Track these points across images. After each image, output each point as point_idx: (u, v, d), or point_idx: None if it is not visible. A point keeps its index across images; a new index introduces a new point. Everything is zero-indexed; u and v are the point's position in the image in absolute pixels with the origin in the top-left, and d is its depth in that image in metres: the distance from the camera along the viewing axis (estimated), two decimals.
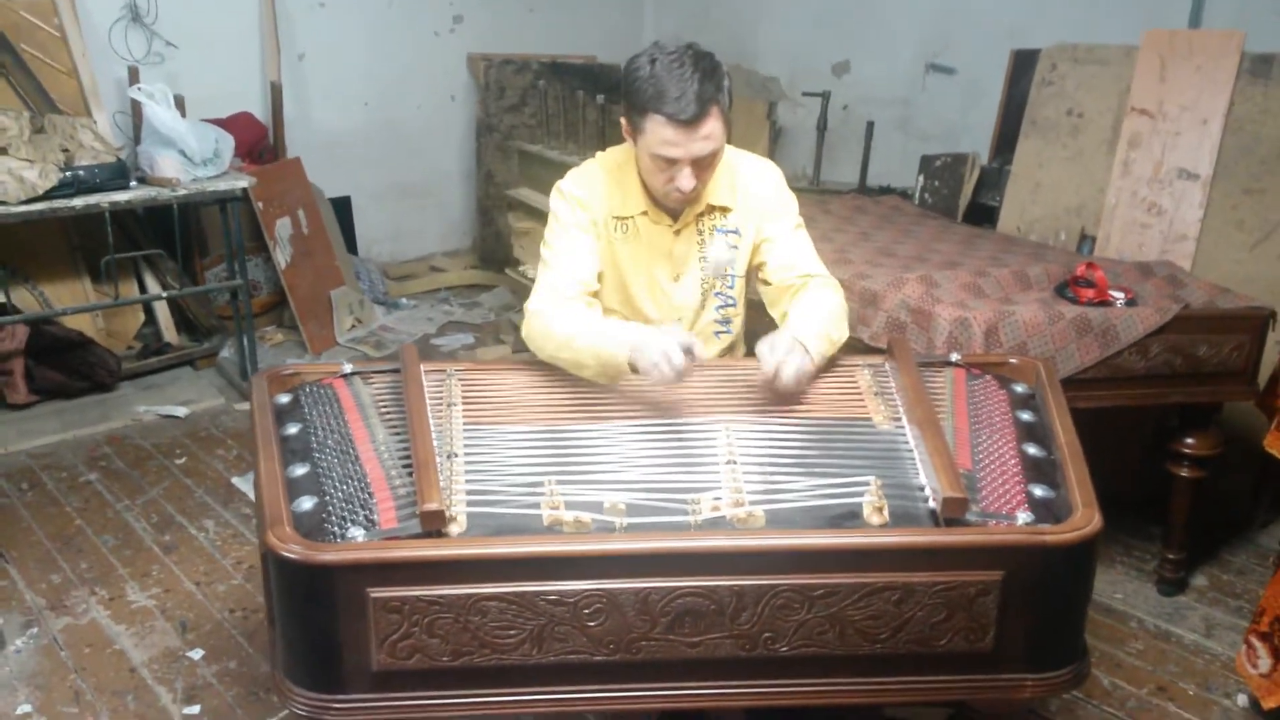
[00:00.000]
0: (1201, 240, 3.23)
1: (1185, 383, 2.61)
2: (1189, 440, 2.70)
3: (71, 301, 4.01)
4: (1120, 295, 2.63)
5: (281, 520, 1.48)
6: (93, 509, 3.24)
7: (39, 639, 2.63)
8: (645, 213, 2.09)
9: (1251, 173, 3.16)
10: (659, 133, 1.91)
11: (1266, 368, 2.71)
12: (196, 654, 2.59)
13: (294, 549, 1.43)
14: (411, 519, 1.52)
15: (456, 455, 1.70)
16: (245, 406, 3.97)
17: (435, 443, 1.68)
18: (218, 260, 4.49)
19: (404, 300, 5.08)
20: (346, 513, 1.55)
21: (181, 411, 3.89)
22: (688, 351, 1.80)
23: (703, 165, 1.96)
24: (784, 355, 1.83)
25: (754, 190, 2.13)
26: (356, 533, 1.48)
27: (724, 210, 2.11)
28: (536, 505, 1.57)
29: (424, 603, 1.43)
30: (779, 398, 1.87)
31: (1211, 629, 2.73)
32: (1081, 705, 2.44)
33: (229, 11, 4.64)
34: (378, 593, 1.42)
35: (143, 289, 4.22)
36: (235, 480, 3.42)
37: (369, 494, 1.59)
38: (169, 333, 4.38)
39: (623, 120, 2.00)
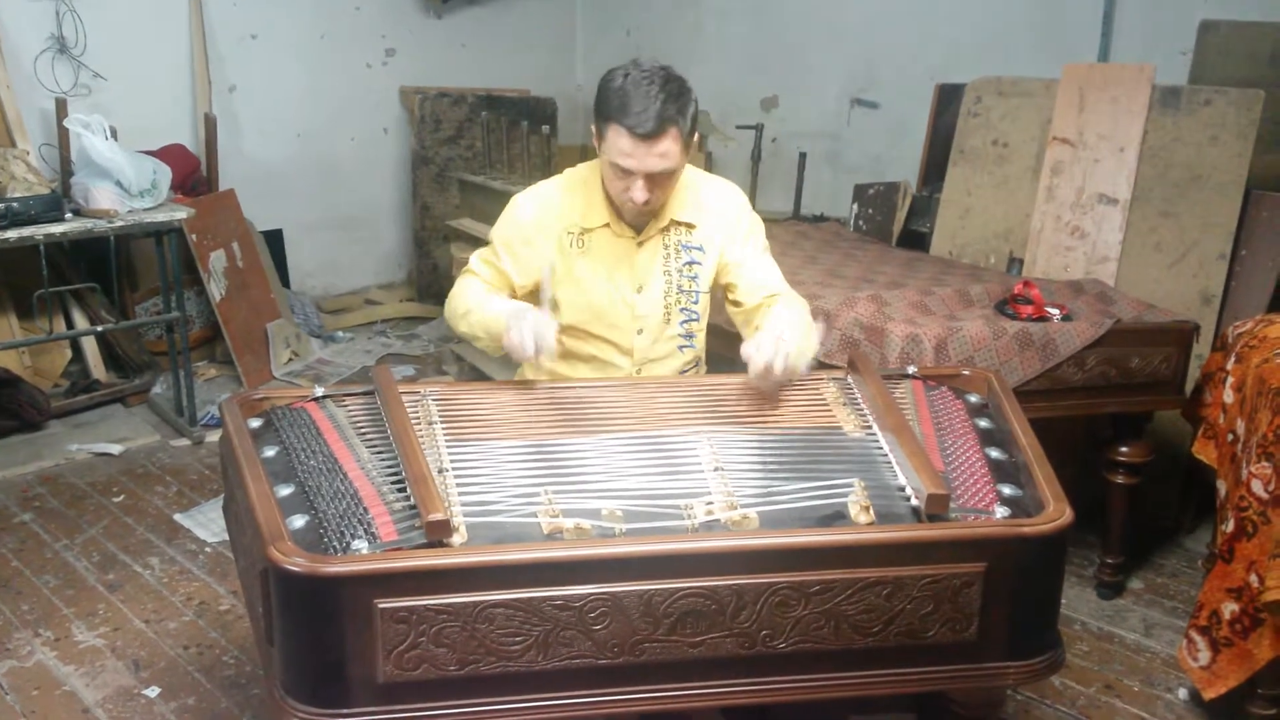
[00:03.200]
0: (1123, 261, 3.41)
1: (1119, 393, 2.75)
2: (1123, 449, 2.84)
3: None
4: (1056, 311, 2.77)
5: (282, 535, 1.48)
6: (30, 549, 3.13)
7: None
8: (607, 225, 2.15)
9: (1166, 197, 3.36)
10: (618, 143, 1.99)
11: (1190, 379, 2.88)
12: (152, 691, 2.52)
13: (299, 562, 1.42)
14: (412, 531, 1.53)
15: (447, 470, 1.72)
16: (183, 442, 3.89)
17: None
18: (148, 294, 4.40)
19: (340, 333, 5.03)
20: (344, 528, 1.55)
21: (116, 449, 3.79)
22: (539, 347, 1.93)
23: (657, 181, 2.05)
24: (771, 351, 1.89)
25: (717, 209, 2.21)
26: (360, 545, 1.49)
27: (689, 226, 2.19)
28: (534, 515, 1.60)
29: (431, 612, 1.44)
30: (761, 398, 1.93)
31: (1150, 629, 2.86)
32: (1036, 705, 2.54)
33: (159, 43, 4.59)
34: (385, 603, 1.42)
35: (69, 324, 4.10)
36: (178, 517, 3.34)
37: (364, 509, 1.59)
38: (97, 369, 4.26)
39: (593, 127, 2.07)
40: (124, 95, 4.43)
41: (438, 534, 1.48)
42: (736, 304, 2.24)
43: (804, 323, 2.10)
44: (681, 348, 2.27)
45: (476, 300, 2.15)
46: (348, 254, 5.49)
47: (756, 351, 1.91)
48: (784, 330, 1.98)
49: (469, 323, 2.14)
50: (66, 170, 3.85)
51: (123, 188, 3.59)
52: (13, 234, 3.34)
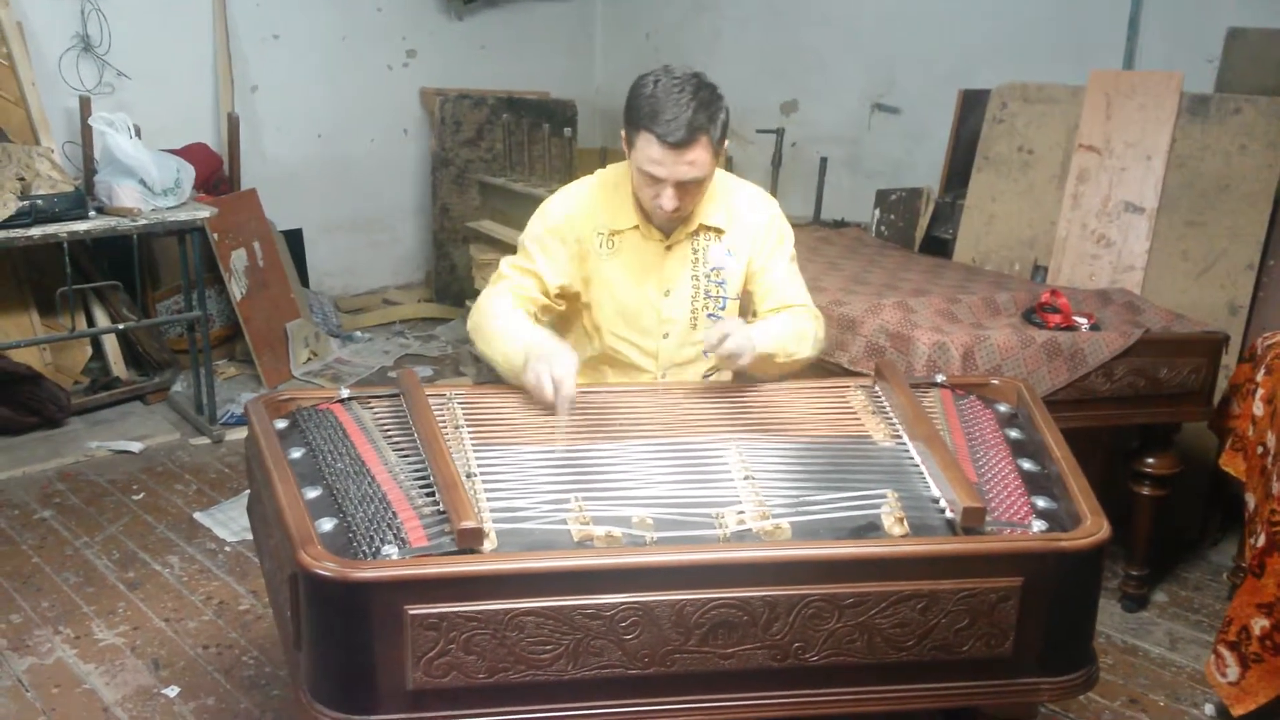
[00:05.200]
0: (1149, 270, 3.38)
1: (1147, 404, 2.73)
2: (1150, 460, 2.82)
3: (18, 334, 3.89)
4: (1084, 321, 2.75)
5: (312, 539, 1.47)
6: (50, 546, 3.13)
7: (2, 680, 2.53)
8: (636, 227, 2.15)
9: (1193, 206, 3.33)
10: (647, 150, 1.98)
11: (1218, 391, 2.85)
12: (172, 691, 2.51)
13: (329, 567, 1.41)
14: (441, 537, 1.52)
15: (474, 475, 1.71)
16: (202, 441, 3.89)
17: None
18: (169, 292, 4.40)
19: (358, 333, 5.03)
20: (373, 532, 1.54)
21: (136, 447, 3.79)
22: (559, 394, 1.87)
23: (686, 189, 2.04)
24: (728, 327, 1.95)
25: (749, 217, 2.20)
26: (390, 550, 1.48)
27: (718, 232, 2.18)
28: (563, 521, 1.58)
29: (462, 619, 1.43)
30: (789, 405, 1.94)
31: (1175, 642, 2.83)
32: (1060, 718, 2.51)
33: (182, 43, 4.60)
34: (415, 610, 1.41)
35: (90, 322, 4.11)
36: (197, 515, 3.34)
37: (393, 513, 1.58)
38: (117, 367, 4.26)
39: (622, 132, 2.06)
40: (147, 94, 4.43)
41: (470, 542, 1.47)
42: (754, 313, 2.24)
43: (796, 330, 2.12)
44: (708, 352, 2.25)
45: (501, 324, 2.07)
46: (366, 254, 5.49)
47: (718, 326, 1.98)
48: (758, 329, 2.05)
49: (491, 347, 2.06)
50: (90, 168, 3.86)
51: (146, 186, 3.59)
52: (37, 231, 3.34)
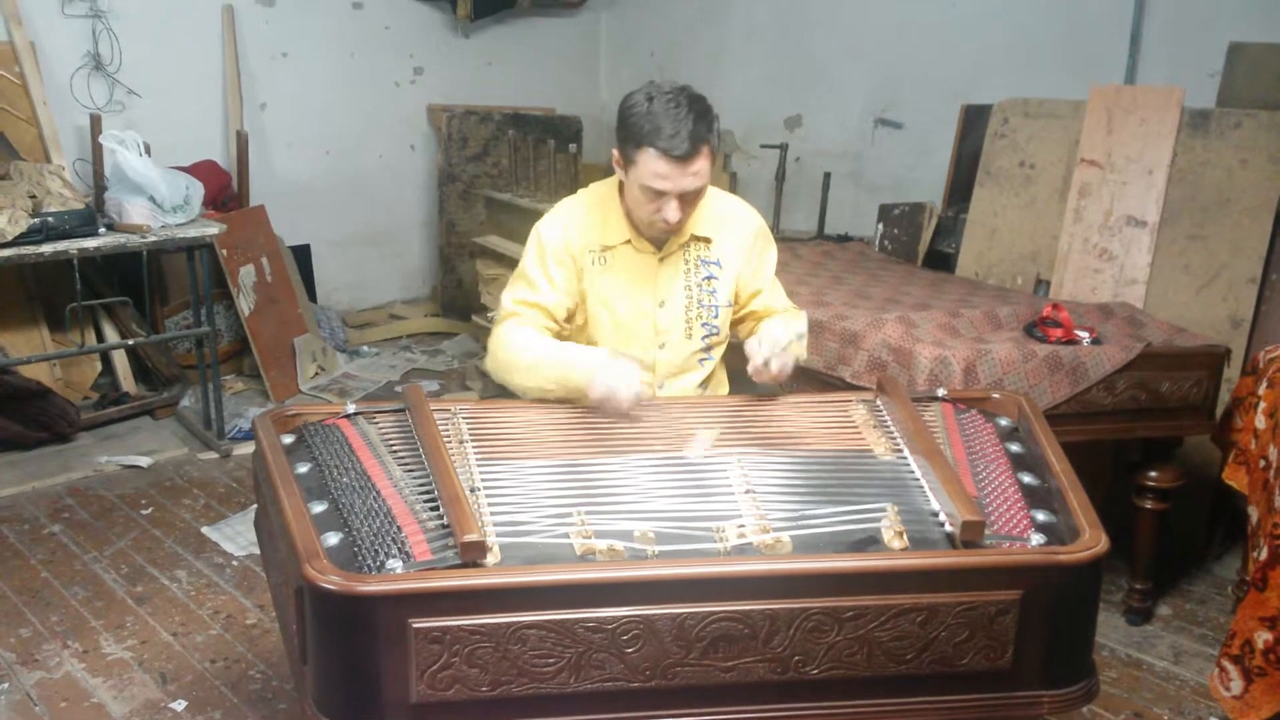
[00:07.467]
0: (1151, 284, 3.39)
1: (1149, 417, 2.74)
2: (1152, 473, 2.83)
3: (29, 350, 3.93)
4: (1085, 335, 2.76)
5: (318, 553, 1.49)
6: (59, 561, 3.15)
7: (11, 694, 2.55)
8: (628, 241, 2.18)
9: (1195, 220, 3.34)
10: (651, 166, 2.01)
11: (1220, 404, 2.86)
12: (179, 705, 2.53)
13: (334, 581, 1.43)
14: (445, 550, 1.54)
15: (478, 489, 1.73)
16: (210, 456, 3.91)
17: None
18: (178, 308, 4.44)
19: (365, 348, 5.06)
20: (378, 546, 1.56)
21: (144, 462, 3.82)
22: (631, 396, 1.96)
23: (688, 200, 2.08)
24: (770, 351, 2.07)
25: (737, 227, 2.26)
26: (395, 564, 1.49)
27: (706, 241, 2.22)
28: (566, 535, 1.60)
29: (465, 632, 1.44)
30: (789, 419, 1.98)
31: (1179, 656, 2.83)
32: None
33: (192, 61, 4.65)
34: (419, 623, 1.43)
35: (100, 337, 4.15)
36: (205, 530, 3.36)
37: (398, 528, 1.60)
38: (126, 382, 4.30)
39: (614, 151, 2.11)
40: (158, 112, 4.49)
41: (473, 556, 1.49)
42: (752, 330, 2.30)
43: (800, 334, 2.21)
44: (702, 361, 2.29)
45: (540, 350, 2.07)
46: (374, 270, 5.53)
47: (758, 347, 2.08)
48: (782, 333, 2.11)
49: (538, 375, 2.05)
50: (100, 185, 3.90)
51: (156, 203, 3.63)
52: (47, 248, 3.38)
